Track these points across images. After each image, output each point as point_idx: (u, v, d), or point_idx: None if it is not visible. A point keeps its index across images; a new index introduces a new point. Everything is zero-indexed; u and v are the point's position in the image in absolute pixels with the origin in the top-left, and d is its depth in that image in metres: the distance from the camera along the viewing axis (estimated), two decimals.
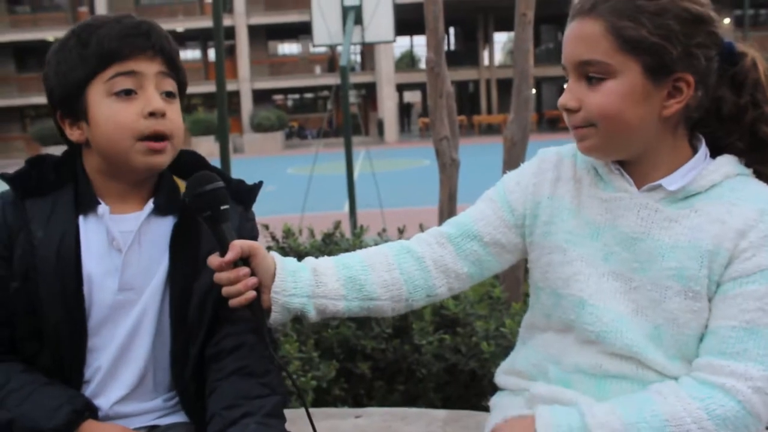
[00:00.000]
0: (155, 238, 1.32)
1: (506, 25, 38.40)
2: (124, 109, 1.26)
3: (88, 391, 1.31)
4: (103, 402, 1.31)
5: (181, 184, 1.35)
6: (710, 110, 1.21)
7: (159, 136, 1.28)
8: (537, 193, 1.30)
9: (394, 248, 1.35)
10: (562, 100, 1.19)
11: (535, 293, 1.34)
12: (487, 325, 2.79)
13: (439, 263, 1.32)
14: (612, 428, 1.09)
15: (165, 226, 1.33)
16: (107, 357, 1.31)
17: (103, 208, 1.30)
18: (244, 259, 1.23)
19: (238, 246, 1.21)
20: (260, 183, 1.43)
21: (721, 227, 1.13)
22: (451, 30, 42.27)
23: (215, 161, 1.47)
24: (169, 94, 1.31)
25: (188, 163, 1.38)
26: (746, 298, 1.10)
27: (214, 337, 1.32)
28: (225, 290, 1.22)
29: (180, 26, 32.48)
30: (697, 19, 1.14)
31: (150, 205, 1.33)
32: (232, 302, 1.23)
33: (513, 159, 3.50)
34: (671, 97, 1.15)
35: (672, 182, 1.18)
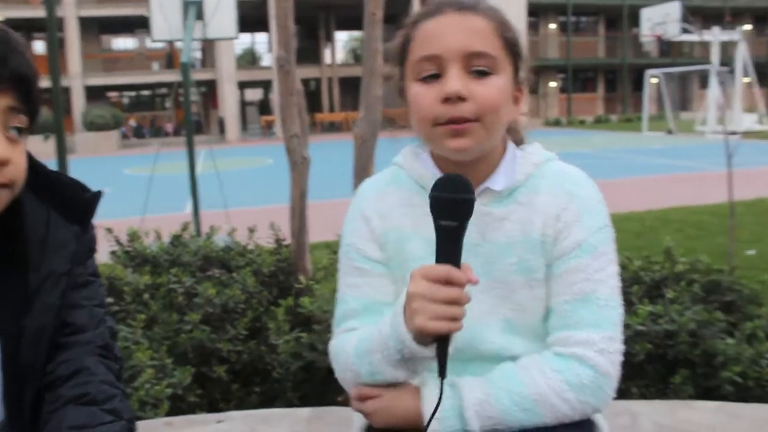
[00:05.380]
0: None
1: (348, 24, 38.84)
2: None
3: None
4: None
5: None
6: None
7: None
8: (379, 233, 1.28)
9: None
10: (456, 87, 1.14)
11: None
12: None
13: None
14: (488, 416, 1.14)
15: None
16: None
17: None
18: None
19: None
20: (98, 193, 1.21)
21: (543, 217, 1.21)
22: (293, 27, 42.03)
23: (48, 163, 1.27)
24: (18, 130, 1.08)
25: None
26: (571, 273, 1.19)
27: (47, 366, 1.16)
28: (455, 311, 1.05)
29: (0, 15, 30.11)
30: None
31: None
32: (451, 326, 1.05)
33: (363, 156, 3.55)
34: (516, 103, 1.24)
35: (496, 182, 1.23)
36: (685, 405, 2.30)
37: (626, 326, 2.63)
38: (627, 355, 2.66)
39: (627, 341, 2.57)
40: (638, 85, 37.95)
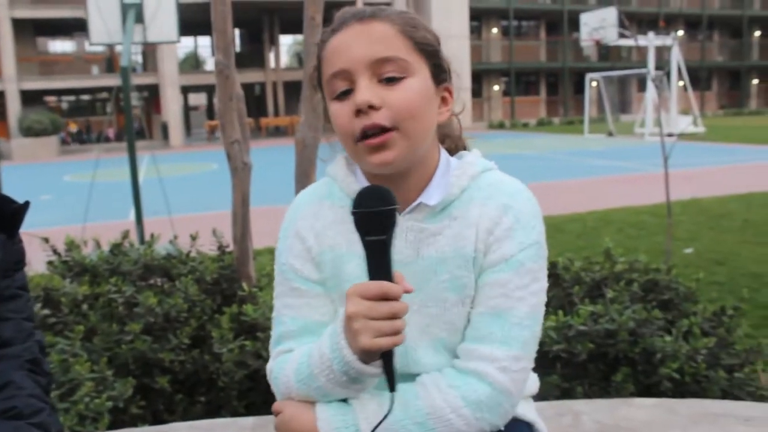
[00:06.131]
0: None
1: (292, 28, 38.68)
2: None
3: None
4: None
5: None
6: None
7: None
8: (314, 251, 1.25)
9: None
10: (365, 97, 1.11)
11: None
12: None
13: None
14: (383, 428, 1.12)
15: None
16: None
17: None
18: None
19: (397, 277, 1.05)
20: (26, 204, 1.20)
21: (475, 230, 1.18)
22: (237, 32, 41.68)
23: None
24: None
25: None
26: (492, 286, 1.16)
27: None
28: (398, 324, 1.04)
29: None
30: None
31: None
32: (387, 341, 1.03)
33: (304, 161, 3.53)
34: (443, 104, 1.21)
35: (429, 197, 1.20)
36: (625, 402, 2.34)
37: (568, 326, 2.69)
38: (570, 354, 2.73)
39: (569, 341, 2.64)
40: (579, 88, 38.79)
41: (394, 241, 1.07)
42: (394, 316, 1.04)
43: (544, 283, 1.20)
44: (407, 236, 1.20)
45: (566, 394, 2.60)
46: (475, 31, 40.91)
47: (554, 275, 3.13)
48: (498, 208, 1.18)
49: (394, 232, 1.04)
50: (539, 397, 1.42)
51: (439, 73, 1.19)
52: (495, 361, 1.14)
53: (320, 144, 3.54)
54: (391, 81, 1.12)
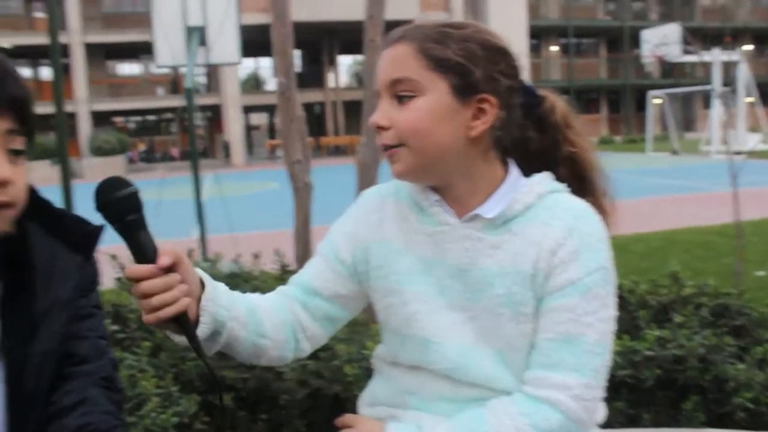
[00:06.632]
0: None
1: (351, 48, 39.09)
2: None
3: None
4: None
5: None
6: (520, 148, 1.27)
7: (1, 207, 1.10)
8: (364, 239, 1.31)
9: (269, 297, 1.35)
10: (374, 118, 1.20)
11: (382, 332, 1.36)
12: (348, 349, 2.80)
13: (297, 320, 1.34)
14: None
15: None
16: None
17: None
18: (170, 268, 1.12)
19: (170, 251, 1.11)
20: (102, 226, 1.24)
21: (537, 249, 1.17)
22: (297, 52, 42.42)
23: (53, 188, 1.31)
24: (16, 152, 1.12)
25: None
26: (560, 311, 1.15)
27: (51, 396, 1.20)
28: (159, 299, 1.10)
29: (6, 42, 30.43)
30: (498, 49, 1.21)
31: None
32: (164, 312, 1.10)
33: (366, 181, 3.55)
34: (476, 118, 1.19)
35: (488, 210, 1.20)
36: None
37: (634, 351, 2.62)
38: (636, 380, 2.65)
39: (635, 366, 2.57)
40: (641, 105, 38.04)
41: (451, 245, 1.18)
42: (153, 293, 1.09)
43: (612, 311, 1.19)
44: (464, 243, 1.21)
45: (633, 422, 2.53)
46: (535, 49, 40.67)
47: (619, 298, 3.05)
48: (563, 229, 1.17)
49: (141, 216, 1.11)
50: (605, 424, 1.39)
51: (469, 86, 1.18)
52: (568, 389, 1.13)
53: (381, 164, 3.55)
54: (403, 99, 1.18)
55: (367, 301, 1.39)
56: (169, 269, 1.11)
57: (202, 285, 1.21)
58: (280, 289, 1.38)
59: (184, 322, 1.14)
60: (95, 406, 1.19)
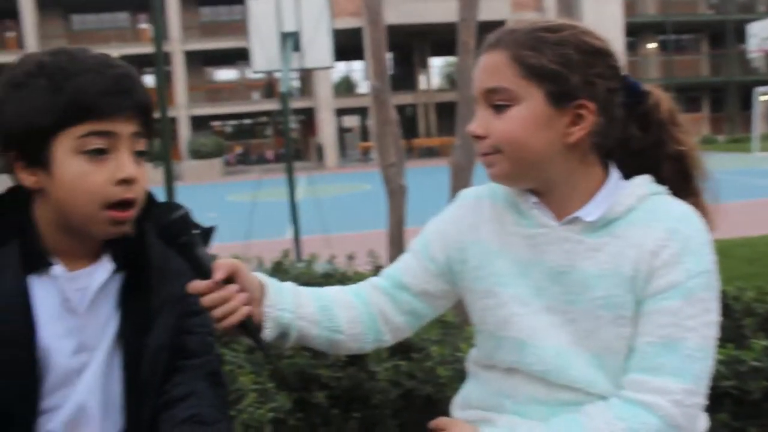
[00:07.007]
0: (107, 293, 1.27)
1: (443, 50, 39.05)
2: (94, 173, 1.17)
3: None
4: None
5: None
6: (622, 146, 1.24)
7: (126, 204, 1.20)
8: (460, 240, 1.32)
9: (348, 290, 1.38)
10: (470, 127, 1.22)
11: (477, 334, 1.36)
12: (441, 350, 2.80)
13: (381, 312, 1.36)
14: None
15: (115, 280, 1.27)
16: (61, 418, 1.24)
17: (57, 269, 1.22)
18: (229, 279, 1.18)
19: (223, 265, 1.17)
20: (213, 228, 1.32)
21: (638, 251, 1.15)
22: (389, 55, 42.72)
23: (156, 190, 1.41)
24: (139, 154, 1.23)
25: None
26: (661, 314, 1.13)
27: (164, 386, 1.29)
28: (219, 311, 1.16)
29: (114, 52, 31.92)
30: (596, 51, 1.18)
31: (107, 264, 1.27)
32: (227, 322, 1.16)
33: (460, 184, 3.55)
34: (574, 124, 1.17)
35: (589, 213, 1.19)
36: None
37: (740, 362, 2.51)
38: (741, 392, 2.55)
39: (741, 377, 2.47)
40: (746, 103, 36.36)
41: (549, 247, 1.19)
42: (218, 304, 1.15)
43: (715, 316, 1.15)
44: (563, 246, 1.20)
45: None
46: (631, 47, 39.49)
47: (723, 305, 2.93)
48: (665, 231, 1.15)
49: (192, 235, 1.18)
50: None
51: (565, 93, 1.16)
52: (668, 394, 1.10)
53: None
54: (498, 108, 1.18)
55: (453, 301, 1.40)
56: (229, 280, 1.18)
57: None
58: (371, 280, 1.41)
59: (248, 328, 1.20)
60: (203, 399, 1.27)
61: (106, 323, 1.26)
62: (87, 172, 1.17)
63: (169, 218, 1.18)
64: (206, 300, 1.16)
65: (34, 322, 1.19)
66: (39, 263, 1.21)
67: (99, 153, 1.17)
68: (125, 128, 1.19)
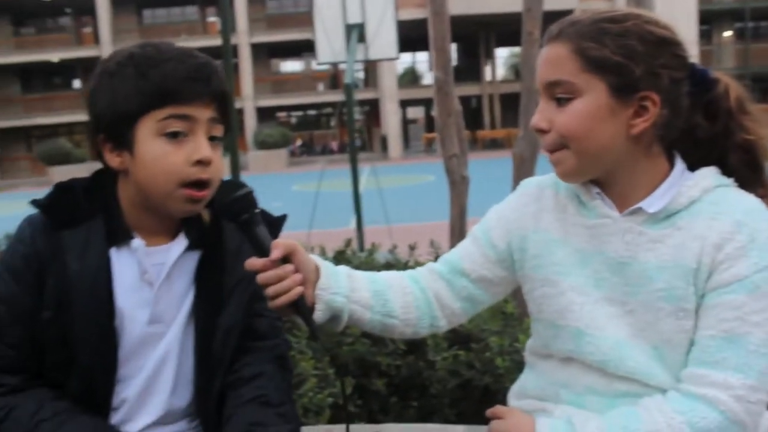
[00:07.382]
0: (182, 271, 1.34)
1: (508, 41, 38.62)
2: (173, 153, 1.25)
3: (115, 418, 1.32)
4: (131, 428, 1.33)
5: (204, 214, 1.37)
6: (687, 136, 1.22)
7: (202, 184, 1.27)
8: (521, 228, 1.32)
9: (405, 275, 1.40)
10: (534, 121, 1.21)
11: (534, 324, 1.36)
12: (500, 341, 2.81)
13: (438, 297, 1.38)
14: None
15: (191, 258, 1.35)
16: (135, 387, 1.32)
17: (137, 242, 1.30)
18: (285, 259, 1.21)
19: (282, 244, 1.20)
20: (283, 217, 1.40)
21: (701, 243, 1.13)
22: (453, 46, 42.42)
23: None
24: (215, 139, 1.30)
25: None
26: (724, 308, 1.11)
27: (233, 365, 1.35)
28: (273, 289, 1.18)
29: (184, 45, 32.69)
30: (661, 41, 1.16)
31: (183, 240, 1.34)
32: (280, 300, 1.19)
33: (523, 175, 3.53)
34: (638, 116, 1.15)
35: (651, 204, 1.18)
36: None
37: None
38: None
39: None
40: None
41: (610, 238, 1.19)
42: (273, 281, 1.18)
43: None
44: (625, 237, 1.19)
45: None
46: (705, 36, 38.25)
47: None
48: (731, 224, 1.13)
49: (254, 213, 1.21)
50: None
51: (629, 85, 1.15)
52: (729, 389, 1.09)
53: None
54: (561, 101, 1.18)
55: (510, 288, 1.41)
56: (285, 260, 1.20)
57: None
58: (429, 265, 1.43)
59: (300, 308, 1.22)
60: (270, 380, 1.34)
61: (181, 299, 1.34)
62: (167, 152, 1.25)
63: (232, 196, 1.22)
64: (261, 277, 1.19)
65: (114, 291, 1.28)
66: (121, 237, 1.30)
67: (178, 135, 1.25)
68: (203, 113, 1.26)
